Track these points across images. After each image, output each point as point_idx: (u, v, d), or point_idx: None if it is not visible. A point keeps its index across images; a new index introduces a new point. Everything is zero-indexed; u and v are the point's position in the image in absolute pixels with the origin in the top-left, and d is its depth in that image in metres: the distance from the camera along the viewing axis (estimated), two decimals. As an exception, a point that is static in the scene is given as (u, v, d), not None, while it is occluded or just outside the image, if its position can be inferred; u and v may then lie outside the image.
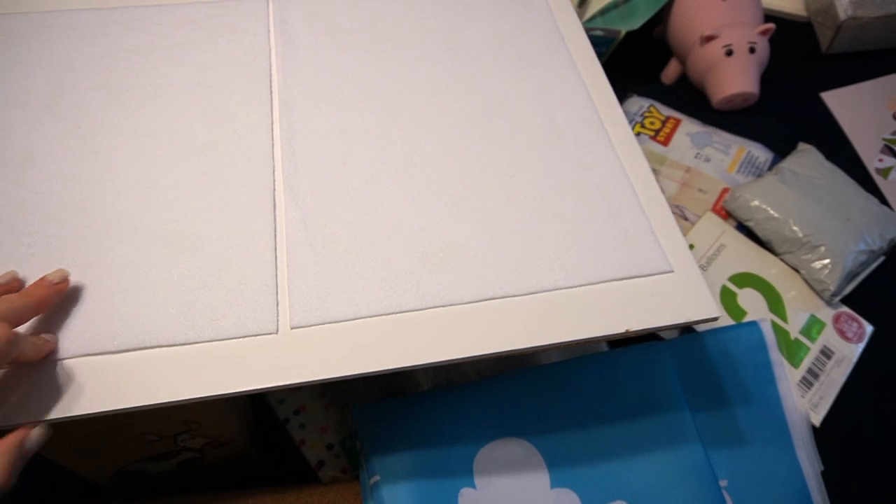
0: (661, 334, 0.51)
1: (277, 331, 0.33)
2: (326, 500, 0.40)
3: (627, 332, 0.33)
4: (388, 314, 0.34)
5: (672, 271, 0.36)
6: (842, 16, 0.70)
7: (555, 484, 0.40)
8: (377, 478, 0.38)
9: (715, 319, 0.34)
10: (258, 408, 0.48)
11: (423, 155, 0.41)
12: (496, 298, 0.34)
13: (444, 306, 0.34)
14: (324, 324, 0.33)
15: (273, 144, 0.41)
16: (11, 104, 0.41)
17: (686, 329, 0.52)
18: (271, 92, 0.44)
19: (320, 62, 0.46)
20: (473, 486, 0.39)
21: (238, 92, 0.43)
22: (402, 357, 0.32)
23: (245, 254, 0.36)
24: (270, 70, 0.45)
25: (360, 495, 0.40)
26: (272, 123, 0.42)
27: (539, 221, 0.38)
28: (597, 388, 0.43)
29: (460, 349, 0.33)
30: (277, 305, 0.34)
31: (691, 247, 0.56)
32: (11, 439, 0.29)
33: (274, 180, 0.39)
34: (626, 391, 0.43)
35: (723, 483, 0.43)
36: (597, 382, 0.43)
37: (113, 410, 0.30)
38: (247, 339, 0.33)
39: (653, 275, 0.36)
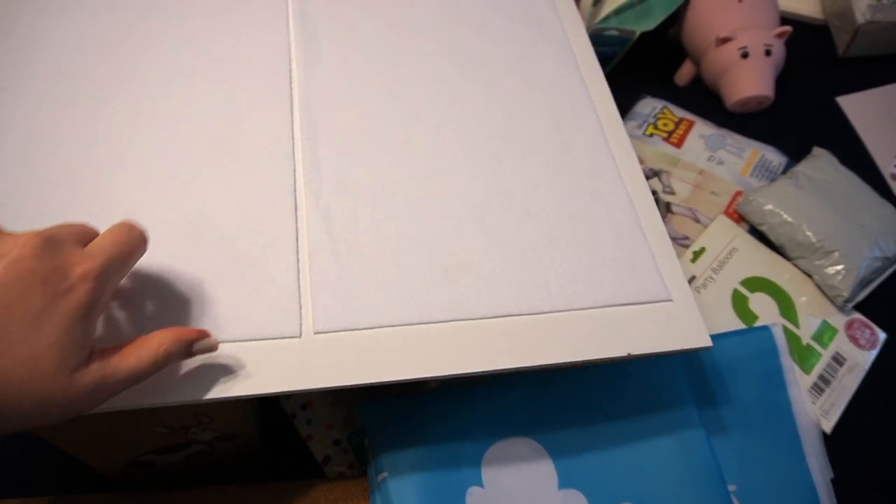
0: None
1: (301, 335, 0.33)
2: (333, 495, 0.40)
3: (629, 355, 0.35)
4: (409, 325, 0.34)
5: (671, 300, 0.37)
6: (859, 19, 0.69)
7: (563, 485, 0.39)
8: (385, 474, 0.38)
9: (708, 348, 0.36)
10: (265, 402, 0.48)
11: (442, 165, 0.41)
12: (511, 316, 0.35)
13: (461, 320, 0.35)
14: (347, 330, 0.34)
15: (294, 144, 0.41)
16: (18, 82, 0.41)
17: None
18: (291, 88, 0.44)
19: (342, 60, 0.46)
20: (481, 485, 0.39)
21: (256, 87, 0.43)
22: (422, 368, 0.33)
23: (269, 254, 0.35)
24: (290, 65, 0.45)
25: (368, 491, 0.40)
26: (292, 122, 0.42)
27: (552, 244, 0.38)
28: (606, 390, 0.43)
29: (476, 363, 0.33)
30: (301, 309, 0.34)
31: (703, 250, 0.56)
32: (187, 333, 0.29)
33: (295, 181, 0.39)
34: (635, 393, 0.43)
35: (731, 488, 0.42)
36: (606, 384, 0.43)
37: (128, 407, 0.30)
38: (270, 341, 0.33)
39: (653, 302, 0.37)
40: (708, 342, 0.36)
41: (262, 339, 0.33)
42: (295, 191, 0.39)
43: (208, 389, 0.31)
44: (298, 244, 0.36)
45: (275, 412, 0.48)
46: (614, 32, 0.65)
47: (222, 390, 0.31)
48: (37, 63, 0.42)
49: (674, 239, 0.57)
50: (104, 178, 0.37)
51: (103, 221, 0.35)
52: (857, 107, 0.69)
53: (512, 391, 0.42)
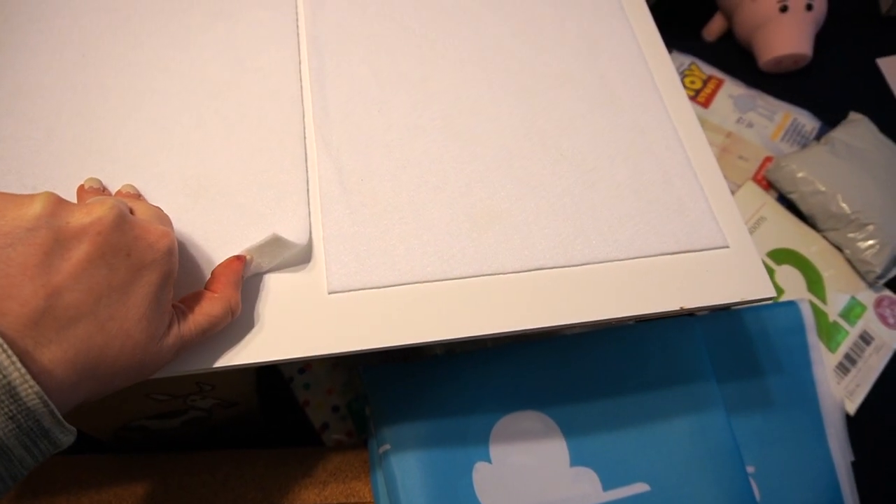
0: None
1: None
2: (332, 465, 0.38)
3: (682, 309, 0.31)
4: (432, 281, 0.31)
5: (727, 247, 0.34)
6: (908, -26, 0.64)
7: (574, 462, 0.37)
8: (387, 447, 0.36)
9: (770, 299, 0.32)
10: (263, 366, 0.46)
11: (464, 106, 0.37)
12: (545, 269, 0.32)
13: (490, 275, 0.32)
14: (364, 289, 0.31)
15: (302, 87, 0.37)
16: (1, 31, 0.37)
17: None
18: (297, 25, 0.40)
19: None
20: (489, 460, 0.37)
21: (260, 24, 0.39)
22: (447, 329, 0.30)
23: (276, 209, 0.32)
24: (296, 0, 0.41)
25: (368, 463, 0.38)
26: (300, 63, 0.38)
27: (590, 189, 0.35)
28: (622, 364, 0.40)
29: (507, 322, 0.30)
30: (314, 269, 0.31)
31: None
32: (237, 272, 0.29)
33: (304, 127, 0.36)
34: (652, 368, 0.41)
35: (750, 469, 0.40)
36: (622, 358, 0.41)
37: (167, 374, 0.29)
38: (281, 303, 0.30)
39: (708, 249, 0.33)
40: (771, 292, 0.32)
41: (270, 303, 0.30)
42: (304, 137, 0.35)
43: (218, 358, 0.29)
44: (309, 197, 0.33)
45: (271, 376, 0.45)
46: (644, -21, 0.60)
47: (231, 358, 0.29)
48: (20, 9, 0.38)
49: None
50: (99, 129, 0.34)
51: (100, 174, 0.32)
52: (899, 70, 0.65)
53: (522, 362, 0.40)
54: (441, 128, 0.36)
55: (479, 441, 0.37)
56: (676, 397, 0.40)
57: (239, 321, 0.29)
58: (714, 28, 0.66)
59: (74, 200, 0.31)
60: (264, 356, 0.29)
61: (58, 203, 0.23)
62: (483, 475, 0.36)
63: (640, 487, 0.38)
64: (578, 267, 0.32)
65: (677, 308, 0.31)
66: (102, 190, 0.30)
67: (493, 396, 0.38)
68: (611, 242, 0.33)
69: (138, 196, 0.31)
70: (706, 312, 0.48)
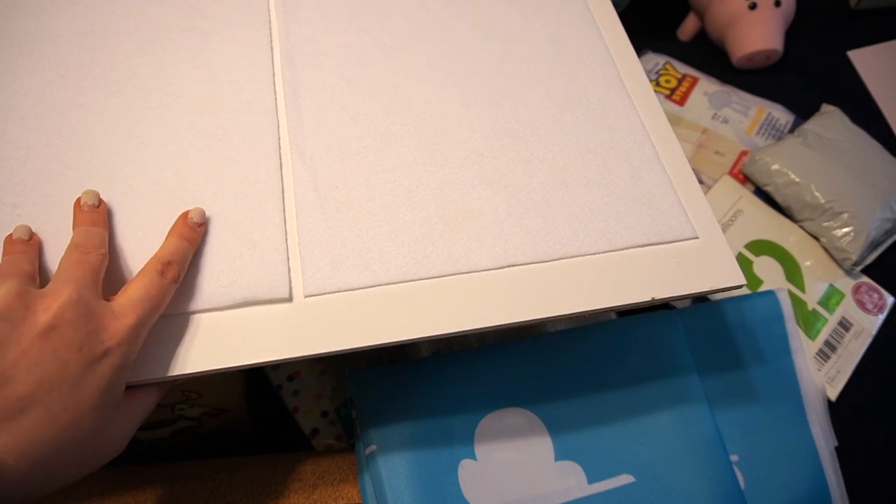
0: (674, 303, 0.49)
1: (291, 299, 0.31)
2: (321, 469, 0.38)
3: (653, 300, 0.32)
4: (406, 281, 0.32)
5: (697, 238, 0.34)
6: (874, -32, 0.65)
7: (559, 456, 0.38)
8: (373, 447, 0.36)
9: (741, 287, 0.33)
10: (251, 374, 0.46)
11: (435, 111, 0.38)
12: (518, 265, 0.33)
13: (464, 273, 0.32)
14: (339, 292, 0.32)
15: (276, 98, 0.38)
16: None
17: (699, 298, 0.49)
18: (271, 39, 0.41)
19: (323, 9, 0.43)
20: (474, 458, 0.37)
21: (234, 39, 0.40)
22: (423, 327, 0.31)
23: (252, 217, 0.33)
24: (269, 15, 0.42)
25: (356, 465, 0.39)
26: (273, 75, 0.39)
27: (560, 185, 0.36)
28: (604, 358, 0.41)
29: (483, 318, 0.31)
30: (289, 272, 0.32)
31: (706, 212, 0.53)
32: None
33: (279, 137, 0.37)
34: (635, 361, 0.41)
35: (734, 458, 0.41)
36: (605, 352, 0.41)
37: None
38: (259, 307, 0.31)
39: (677, 241, 0.34)
40: (741, 280, 0.33)
41: (250, 306, 0.31)
42: (279, 148, 0.36)
43: (199, 362, 0.29)
44: (285, 204, 0.34)
45: (260, 384, 0.46)
46: (615, -17, 0.62)
47: (212, 362, 0.29)
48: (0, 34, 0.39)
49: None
50: (76, 146, 0.35)
51: (77, 186, 0.33)
52: (869, 61, 0.66)
53: (506, 360, 0.40)
54: (413, 133, 0.37)
55: (464, 439, 0.38)
56: (659, 389, 0.41)
57: (216, 326, 0.30)
58: (687, 28, 0.67)
59: (56, 217, 0.32)
60: (247, 359, 0.29)
61: (17, 295, 0.25)
62: (468, 472, 0.37)
63: (624, 479, 0.38)
64: (551, 262, 0.33)
65: (648, 299, 0.32)
66: (98, 205, 0.31)
67: (477, 395, 0.39)
68: (582, 237, 0.34)
69: (93, 217, 0.31)
70: (686, 305, 0.48)
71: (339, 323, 0.31)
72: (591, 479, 0.38)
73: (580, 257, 0.33)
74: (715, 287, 0.33)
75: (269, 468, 0.39)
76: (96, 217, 0.31)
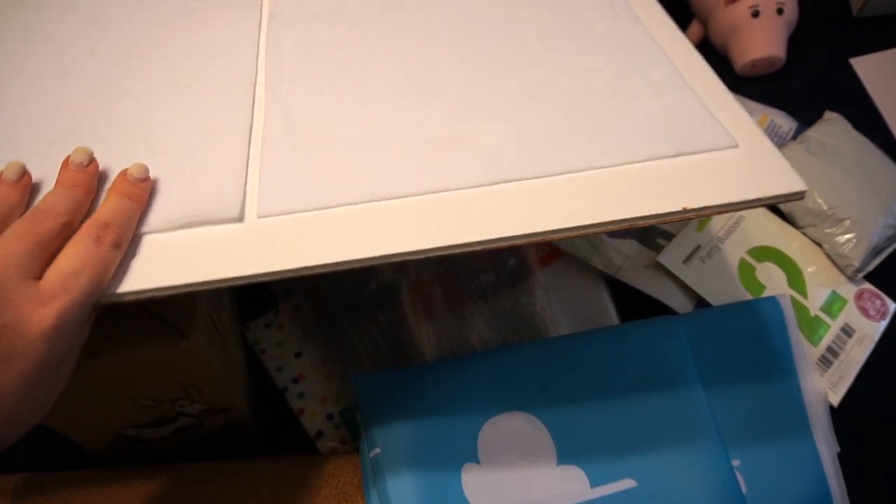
0: (675, 308, 0.49)
1: (242, 219, 0.28)
2: (325, 471, 0.39)
3: (685, 210, 0.26)
4: (379, 200, 0.28)
5: (736, 146, 0.29)
6: (876, -24, 0.66)
7: (561, 461, 0.38)
8: (378, 450, 0.36)
9: (801, 196, 0.27)
10: (256, 375, 0.47)
11: (427, 58, 0.36)
12: (515, 181, 0.28)
13: (449, 190, 0.28)
14: (297, 212, 0.28)
15: (258, 51, 0.37)
16: None
17: (700, 303, 0.50)
18: (261, 8, 0.40)
19: None
20: (477, 462, 0.37)
21: (225, 7, 0.40)
22: (393, 244, 0.26)
23: (213, 146, 0.31)
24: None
25: (360, 468, 0.39)
26: (258, 36, 0.38)
27: (565, 106, 0.32)
28: (607, 363, 0.41)
29: (470, 233, 0.26)
30: (245, 196, 0.29)
31: (708, 218, 0.54)
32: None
33: (255, 83, 0.35)
34: (637, 366, 0.41)
35: (735, 463, 0.41)
36: (607, 356, 0.42)
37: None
38: (209, 228, 0.28)
39: (712, 150, 0.29)
40: (800, 185, 0.27)
41: (197, 226, 0.28)
42: (254, 91, 0.34)
43: (139, 281, 0.26)
44: (252, 135, 0.32)
45: (266, 386, 0.46)
46: (619, -10, 0.62)
47: (152, 281, 0.26)
48: None
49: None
50: (43, 83, 0.34)
51: (41, 134, 0.31)
52: (872, 69, 0.66)
53: (509, 364, 0.41)
54: (401, 73, 0.35)
55: (468, 442, 0.38)
56: (661, 394, 0.41)
57: (162, 247, 0.28)
58: (691, 35, 0.68)
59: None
60: (189, 279, 0.26)
61: None
62: (472, 475, 0.37)
63: (626, 483, 0.38)
64: (555, 177, 0.29)
65: (680, 209, 0.26)
66: (87, 164, 0.28)
67: (480, 399, 0.39)
68: (592, 149, 0.30)
69: (76, 178, 0.28)
70: (688, 310, 0.49)
71: (293, 243, 0.27)
72: (594, 483, 0.38)
73: (591, 171, 0.29)
74: (767, 194, 0.27)
75: (274, 470, 0.39)
76: (80, 178, 0.28)
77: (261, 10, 0.40)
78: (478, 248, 0.27)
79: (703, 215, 0.27)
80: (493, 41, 0.37)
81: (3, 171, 0.27)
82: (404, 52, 0.37)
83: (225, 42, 0.38)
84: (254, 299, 0.50)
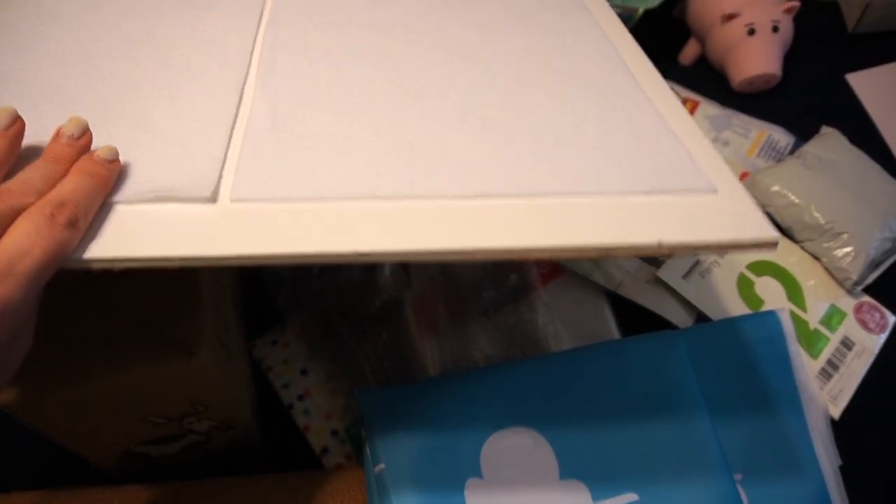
0: (675, 322, 0.49)
1: (215, 200, 0.28)
2: (330, 487, 0.39)
3: (660, 244, 0.27)
4: (356, 199, 0.28)
5: (715, 191, 0.30)
6: (870, -7, 0.67)
7: (564, 475, 0.39)
8: (382, 466, 0.37)
9: (774, 246, 0.27)
10: (262, 392, 0.47)
11: (419, 70, 0.37)
12: (493, 197, 0.29)
13: (426, 198, 0.28)
14: (271, 201, 0.28)
15: (253, 48, 0.38)
16: None
17: (700, 318, 0.50)
18: (262, 9, 0.41)
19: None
20: (480, 476, 0.38)
21: (224, 5, 0.41)
22: (361, 242, 0.26)
23: (194, 130, 0.31)
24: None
25: (364, 483, 0.39)
26: (255, 34, 0.39)
27: (550, 132, 0.33)
28: (608, 378, 0.42)
29: (439, 241, 0.26)
30: (221, 179, 0.29)
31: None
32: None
33: (246, 77, 0.35)
34: (638, 381, 0.42)
35: (737, 476, 0.41)
36: (608, 371, 0.42)
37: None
38: (181, 206, 0.28)
39: (691, 192, 0.30)
40: (772, 233, 0.27)
41: (167, 202, 0.28)
42: (244, 83, 0.35)
43: (100, 250, 0.25)
44: (236, 123, 0.32)
45: (272, 402, 0.47)
46: (618, 10, 0.63)
47: (114, 251, 0.25)
48: None
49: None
50: (32, 57, 0.34)
51: (21, 103, 0.29)
52: (867, 84, 0.67)
53: (512, 380, 0.41)
54: (394, 83, 0.35)
55: (471, 458, 0.38)
56: (662, 408, 0.41)
57: (129, 218, 0.27)
58: (689, 53, 0.69)
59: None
60: (151, 252, 0.26)
61: None
62: (475, 490, 0.37)
63: (628, 497, 0.39)
64: (535, 198, 0.29)
65: (655, 243, 0.27)
66: (80, 136, 0.28)
67: (483, 414, 0.40)
68: (573, 176, 0.30)
69: (63, 152, 0.27)
70: (688, 324, 0.49)
71: (263, 230, 0.27)
72: (596, 497, 0.38)
73: (571, 196, 0.29)
74: (741, 239, 0.27)
75: (280, 486, 0.39)
76: (66, 153, 0.27)
77: (261, 12, 0.41)
78: (447, 257, 0.27)
79: (677, 252, 0.28)
80: (488, 63, 0.38)
81: None
82: (397, 62, 0.38)
83: (222, 35, 0.38)
84: (259, 316, 0.51)
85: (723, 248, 0.28)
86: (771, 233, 0.28)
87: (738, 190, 0.30)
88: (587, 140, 0.33)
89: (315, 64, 0.37)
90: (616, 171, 0.30)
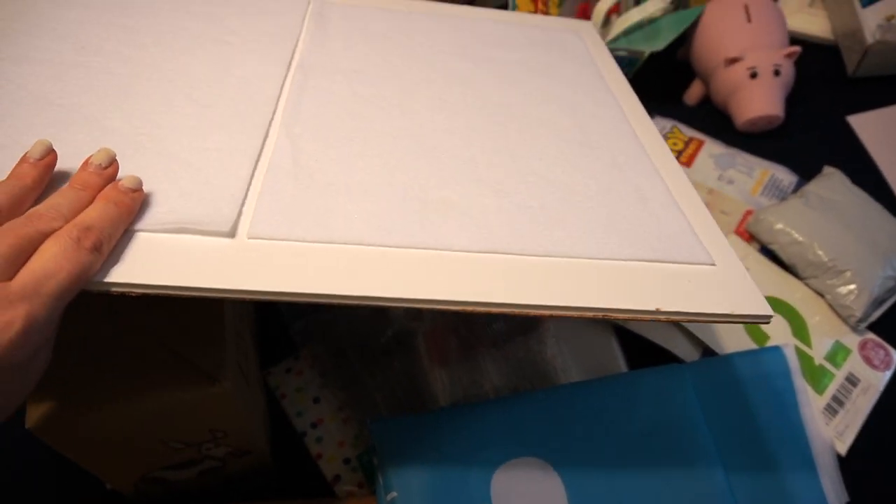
0: (682, 357, 0.50)
1: (234, 235, 0.29)
2: (342, 514, 0.40)
3: (658, 310, 0.28)
4: (367, 245, 0.29)
5: (714, 265, 0.31)
6: (869, 39, 0.69)
7: (572, 505, 0.39)
8: (394, 494, 0.38)
9: (767, 320, 0.29)
10: (276, 420, 0.48)
11: (437, 127, 0.38)
12: (501, 253, 0.30)
13: (436, 249, 0.29)
14: (287, 240, 0.29)
15: (280, 93, 0.39)
16: (33, 38, 0.39)
17: (707, 352, 0.51)
18: (292, 56, 0.43)
19: (347, 45, 0.46)
20: (490, 506, 0.38)
21: (257, 52, 0.43)
22: (373, 286, 0.27)
23: (218, 166, 0.32)
24: (297, 42, 0.45)
25: (377, 511, 0.40)
26: (284, 79, 0.41)
27: (559, 196, 0.34)
28: (616, 410, 0.43)
29: (447, 293, 0.27)
30: (240, 216, 0.30)
31: (714, 269, 0.56)
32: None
33: (272, 120, 0.37)
34: (645, 414, 0.43)
35: (744, 511, 0.42)
36: (616, 404, 0.43)
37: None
38: (200, 238, 0.29)
39: (691, 264, 0.31)
40: (767, 310, 0.29)
41: (187, 233, 0.29)
42: (269, 125, 0.36)
43: (118, 275, 0.26)
44: (258, 163, 0.33)
45: (286, 430, 0.48)
46: (623, 53, 0.66)
47: (136, 276, 0.26)
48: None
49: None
50: (74, 90, 0.35)
51: (53, 127, 0.32)
52: (868, 126, 0.69)
53: (521, 410, 0.42)
54: (411, 135, 0.37)
55: (481, 487, 0.39)
56: (669, 441, 0.42)
57: (148, 247, 0.28)
58: (693, 93, 0.71)
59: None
60: (169, 280, 0.27)
61: None
62: (485, 520, 0.38)
63: (636, 529, 0.39)
64: (540, 257, 0.30)
65: (653, 309, 0.28)
66: (108, 166, 0.29)
67: (494, 444, 0.41)
68: (580, 240, 0.31)
69: (91, 180, 0.28)
70: (695, 358, 0.50)
71: (277, 268, 0.28)
72: (604, 528, 0.39)
73: (575, 259, 0.30)
74: (736, 312, 0.29)
75: (293, 513, 0.40)
76: (94, 181, 0.28)
77: (291, 57, 0.44)
78: (451, 307, 0.28)
79: (673, 320, 0.29)
80: (504, 126, 0.41)
81: (30, 150, 0.28)
82: (417, 116, 0.40)
83: (251, 76, 0.40)
84: (273, 345, 0.52)
85: (718, 320, 0.29)
86: (765, 309, 0.29)
87: (736, 264, 0.32)
88: (594, 205, 0.34)
89: (338, 112, 0.39)
90: (620, 237, 0.32)
